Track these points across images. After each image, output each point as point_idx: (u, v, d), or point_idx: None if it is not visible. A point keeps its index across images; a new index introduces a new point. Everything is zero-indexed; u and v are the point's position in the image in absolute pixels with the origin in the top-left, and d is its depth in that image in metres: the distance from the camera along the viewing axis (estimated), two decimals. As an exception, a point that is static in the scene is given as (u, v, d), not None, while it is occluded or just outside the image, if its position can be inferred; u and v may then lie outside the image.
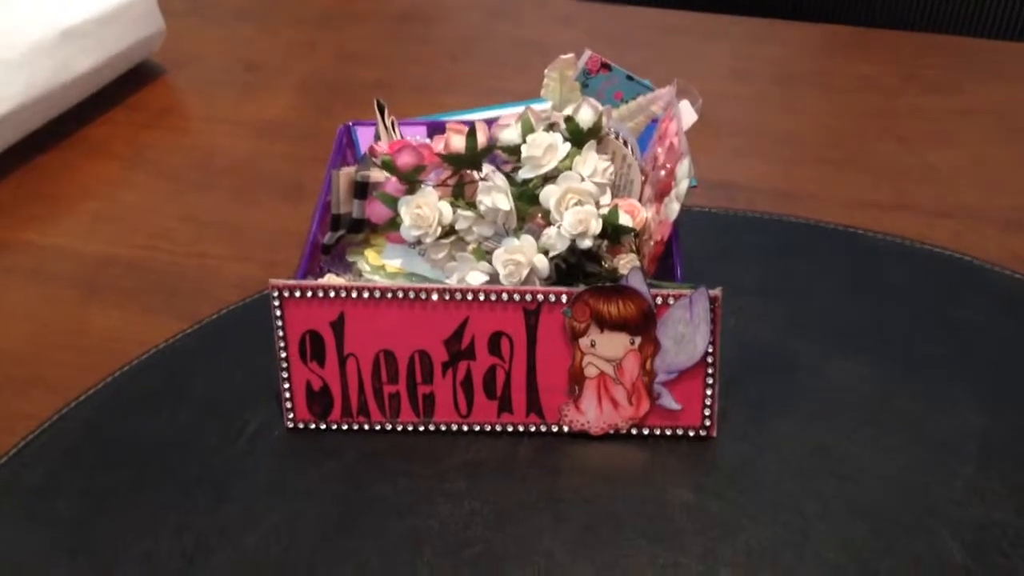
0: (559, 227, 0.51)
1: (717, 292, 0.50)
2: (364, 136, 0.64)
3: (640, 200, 0.57)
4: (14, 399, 0.57)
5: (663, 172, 0.55)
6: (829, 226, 0.66)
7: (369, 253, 0.56)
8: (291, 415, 0.54)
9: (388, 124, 0.61)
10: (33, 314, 0.63)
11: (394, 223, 0.54)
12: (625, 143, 0.58)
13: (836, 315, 0.59)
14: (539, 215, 0.54)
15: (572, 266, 0.53)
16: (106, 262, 0.67)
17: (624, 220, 0.53)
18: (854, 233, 0.66)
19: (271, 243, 0.68)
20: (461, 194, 0.54)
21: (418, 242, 0.54)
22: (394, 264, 0.56)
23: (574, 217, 0.51)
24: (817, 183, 0.71)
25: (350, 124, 0.64)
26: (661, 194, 0.55)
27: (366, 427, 0.54)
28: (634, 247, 0.56)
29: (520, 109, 0.55)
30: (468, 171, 0.55)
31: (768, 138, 0.76)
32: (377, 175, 0.56)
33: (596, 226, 0.51)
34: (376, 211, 0.55)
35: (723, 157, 0.73)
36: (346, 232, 0.57)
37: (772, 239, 0.65)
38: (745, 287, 0.61)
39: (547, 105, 0.60)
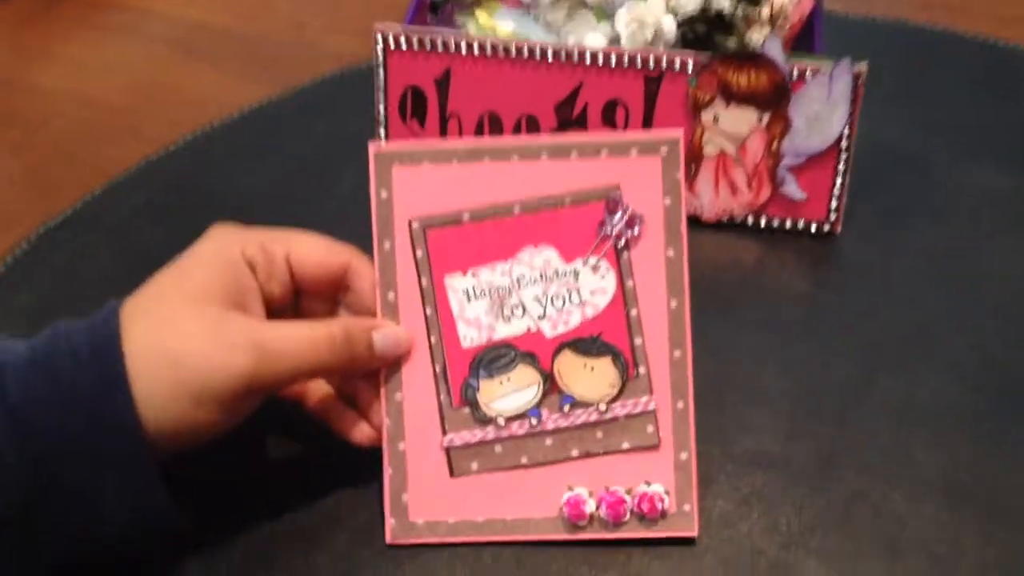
0: (692, -14, 0.47)
1: (862, 67, 0.45)
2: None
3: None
4: (105, 144, 0.56)
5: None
6: (968, 36, 0.61)
7: (480, 14, 0.53)
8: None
9: None
10: (129, 69, 0.61)
11: (510, -21, 0.50)
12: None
13: (972, 122, 0.55)
14: (669, -24, 0.49)
15: (700, 37, 0.49)
16: (203, 27, 0.64)
17: (763, -15, 0.48)
18: (994, 45, 0.61)
19: (372, 15, 0.64)
20: (585, -48, 0.50)
21: (535, 3, 0.50)
22: (506, 28, 0.52)
23: (710, -26, 0.47)
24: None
25: None
26: (805, -33, 0.50)
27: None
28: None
29: None
30: (595, -73, 0.50)
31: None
32: (495, -70, 0.52)
33: (733, -14, 0.47)
34: (491, -32, 0.52)
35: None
36: (457, -8, 0.53)
37: (910, 46, 0.61)
38: (881, 92, 0.55)
39: None
